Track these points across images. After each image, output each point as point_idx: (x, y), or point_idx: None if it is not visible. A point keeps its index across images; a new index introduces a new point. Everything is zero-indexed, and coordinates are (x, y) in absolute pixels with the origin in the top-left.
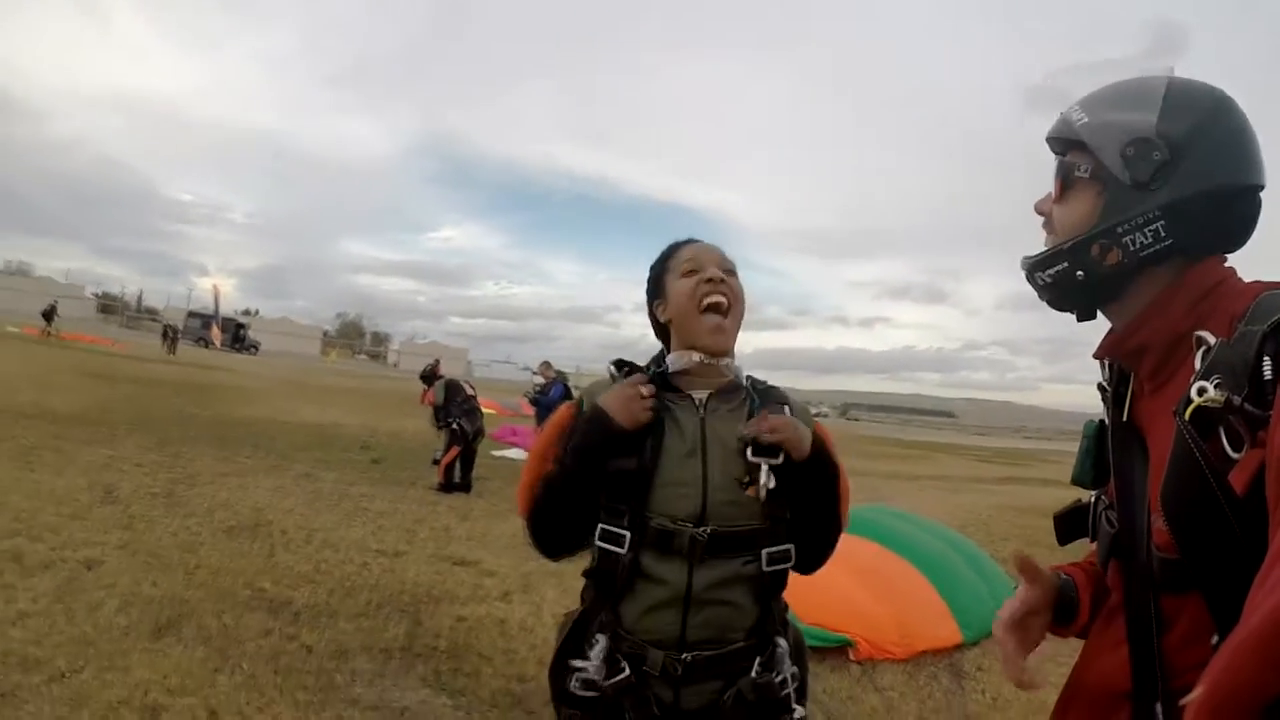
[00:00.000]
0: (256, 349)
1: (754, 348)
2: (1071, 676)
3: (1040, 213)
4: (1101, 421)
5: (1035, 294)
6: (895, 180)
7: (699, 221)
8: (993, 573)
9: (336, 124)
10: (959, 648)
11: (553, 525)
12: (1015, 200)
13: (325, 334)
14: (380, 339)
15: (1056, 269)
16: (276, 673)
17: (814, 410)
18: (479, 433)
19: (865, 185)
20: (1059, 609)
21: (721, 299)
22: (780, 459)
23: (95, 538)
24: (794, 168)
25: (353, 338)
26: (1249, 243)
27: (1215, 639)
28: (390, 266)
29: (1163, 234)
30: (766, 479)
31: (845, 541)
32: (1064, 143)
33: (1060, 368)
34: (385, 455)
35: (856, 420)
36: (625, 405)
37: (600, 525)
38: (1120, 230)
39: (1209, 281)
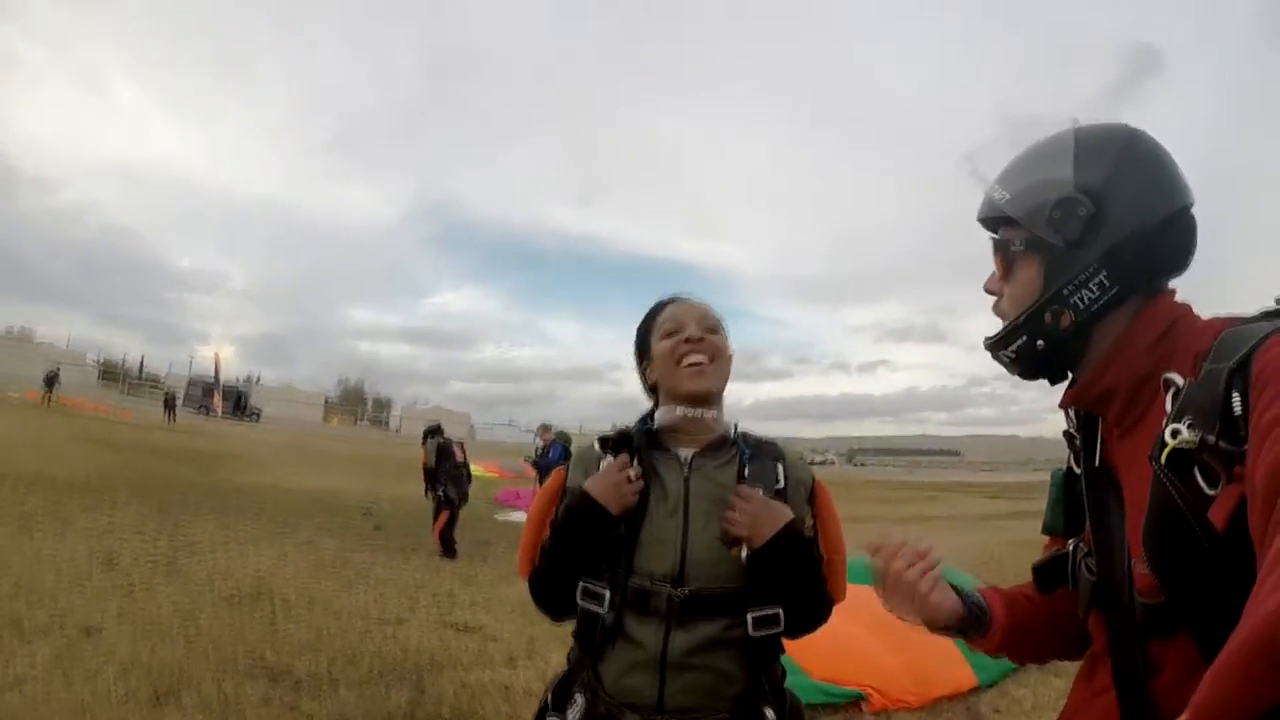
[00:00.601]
0: (258, 416)
1: (755, 399)
2: None
3: (990, 292)
4: (1069, 469)
5: (1005, 368)
6: (886, 220)
7: (695, 276)
8: None
9: (333, 191)
10: (975, 690)
11: (553, 589)
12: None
13: (327, 400)
14: (382, 404)
15: (1017, 344)
16: None
17: (819, 459)
18: (464, 497)
19: (858, 228)
20: (971, 619)
21: (701, 358)
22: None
23: (94, 605)
24: (786, 216)
25: (355, 404)
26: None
27: None
28: (391, 332)
29: (1107, 284)
30: (744, 552)
31: (855, 592)
32: (994, 221)
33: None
34: (387, 521)
35: (863, 465)
36: (614, 491)
37: (581, 583)
38: (1066, 292)
39: (1165, 321)
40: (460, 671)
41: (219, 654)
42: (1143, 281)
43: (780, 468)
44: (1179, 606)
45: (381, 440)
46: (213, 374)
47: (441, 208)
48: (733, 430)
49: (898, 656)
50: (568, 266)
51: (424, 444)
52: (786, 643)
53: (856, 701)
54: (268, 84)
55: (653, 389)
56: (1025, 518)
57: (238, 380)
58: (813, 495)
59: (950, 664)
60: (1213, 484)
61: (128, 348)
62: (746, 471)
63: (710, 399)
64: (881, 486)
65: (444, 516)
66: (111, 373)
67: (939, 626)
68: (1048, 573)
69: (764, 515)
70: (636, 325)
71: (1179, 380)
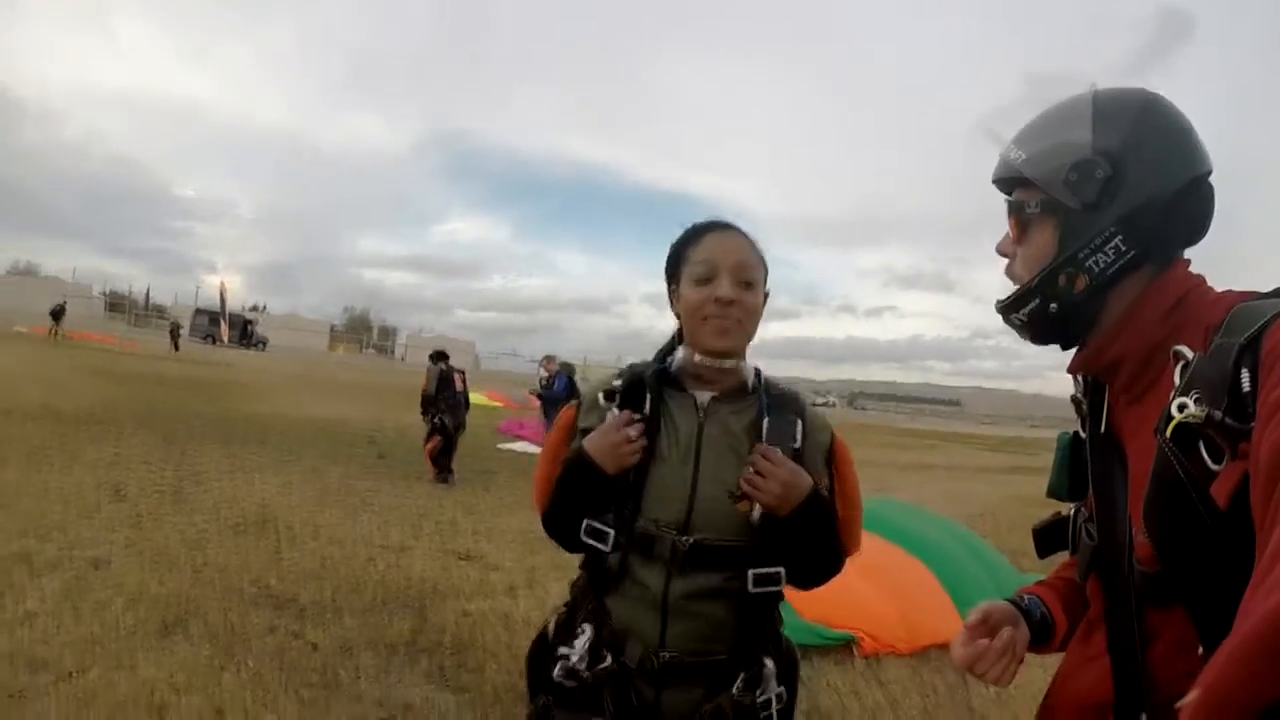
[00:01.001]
0: (264, 345)
1: (760, 338)
2: (1050, 689)
3: (1003, 254)
4: (1076, 433)
5: (1016, 331)
6: (902, 168)
7: (707, 210)
8: (998, 565)
9: (343, 120)
10: None
11: (563, 528)
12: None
13: (333, 329)
14: (388, 333)
15: (1029, 307)
16: (281, 670)
17: (821, 400)
18: (460, 426)
19: (873, 173)
20: (1034, 631)
21: (725, 324)
22: None
23: (103, 537)
24: (802, 156)
25: (360, 332)
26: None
27: (1200, 651)
28: (397, 260)
29: (1123, 248)
30: (756, 512)
31: None
32: (1009, 183)
33: (1065, 355)
34: (391, 449)
35: (865, 409)
36: (612, 451)
37: (585, 521)
38: (1082, 255)
39: (1178, 291)
40: (461, 600)
41: (225, 583)
42: (1159, 248)
43: (800, 425)
44: (1175, 579)
45: (387, 368)
46: (218, 303)
47: (452, 137)
48: (753, 377)
49: (891, 603)
50: (578, 196)
51: (430, 366)
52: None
53: (847, 644)
54: (277, 10)
55: (679, 316)
56: (1024, 473)
57: (243, 309)
58: (831, 454)
59: (943, 616)
60: (1217, 459)
61: (134, 279)
62: (765, 425)
63: (732, 354)
64: (883, 432)
65: (435, 441)
66: (118, 305)
67: None
68: (1047, 536)
69: (791, 482)
70: (644, 258)
71: (1188, 353)
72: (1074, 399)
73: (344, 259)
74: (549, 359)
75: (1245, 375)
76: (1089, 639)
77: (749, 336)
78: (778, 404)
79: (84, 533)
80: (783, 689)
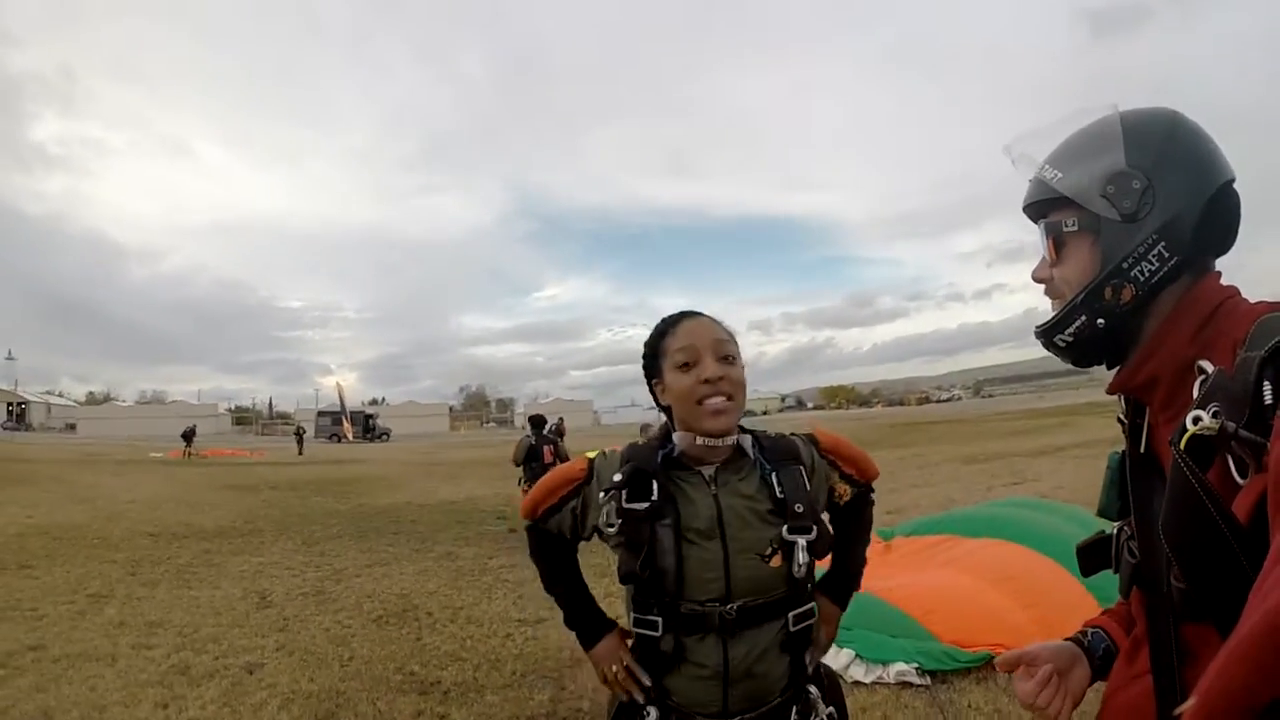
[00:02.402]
0: (388, 436)
1: (872, 343)
2: (1102, 706)
3: (1039, 280)
4: (1124, 453)
5: (1059, 355)
6: (981, 143)
7: (797, 228)
8: None
9: (425, 206)
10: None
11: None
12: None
13: (451, 409)
14: (505, 405)
15: (1076, 325)
16: None
17: (946, 396)
18: None
19: (953, 155)
20: (1098, 665)
21: (721, 402)
22: (814, 534)
23: (254, 643)
24: (883, 155)
25: (478, 408)
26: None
27: None
28: (504, 333)
29: (1166, 254)
30: (803, 558)
31: (981, 548)
32: (1043, 205)
33: None
34: (521, 522)
35: (991, 396)
36: (609, 675)
37: (633, 614)
38: (1127, 265)
39: (1209, 305)
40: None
41: (372, 674)
42: (1198, 252)
43: (802, 470)
44: (1198, 593)
45: (507, 439)
46: (338, 403)
47: (534, 203)
48: (747, 444)
49: (1026, 611)
50: (668, 240)
51: (554, 444)
52: (914, 607)
53: (988, 662)
54: (345, 114)
55: (665, 408)
56: None
57: (362, 404)
58: (824, 453)
59: (1084, 612)
60: (1244, 473)
61: (256, 392)
62: (779, 490)
63: (730, 432)
64: (1009, 418)
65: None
66: (244, 418)
67: None
68: (1091, 554)
69: (826, 632)
70: (744, 287)
71: (1209, 368)
72: (1119, 419)
73: (452, 340)
74: (645, 427)
75: (1267, 387)
76: (1135, 656)
77: (741, 409)
78: (775, 457)
79: (236, 641)
80: (832, 708)
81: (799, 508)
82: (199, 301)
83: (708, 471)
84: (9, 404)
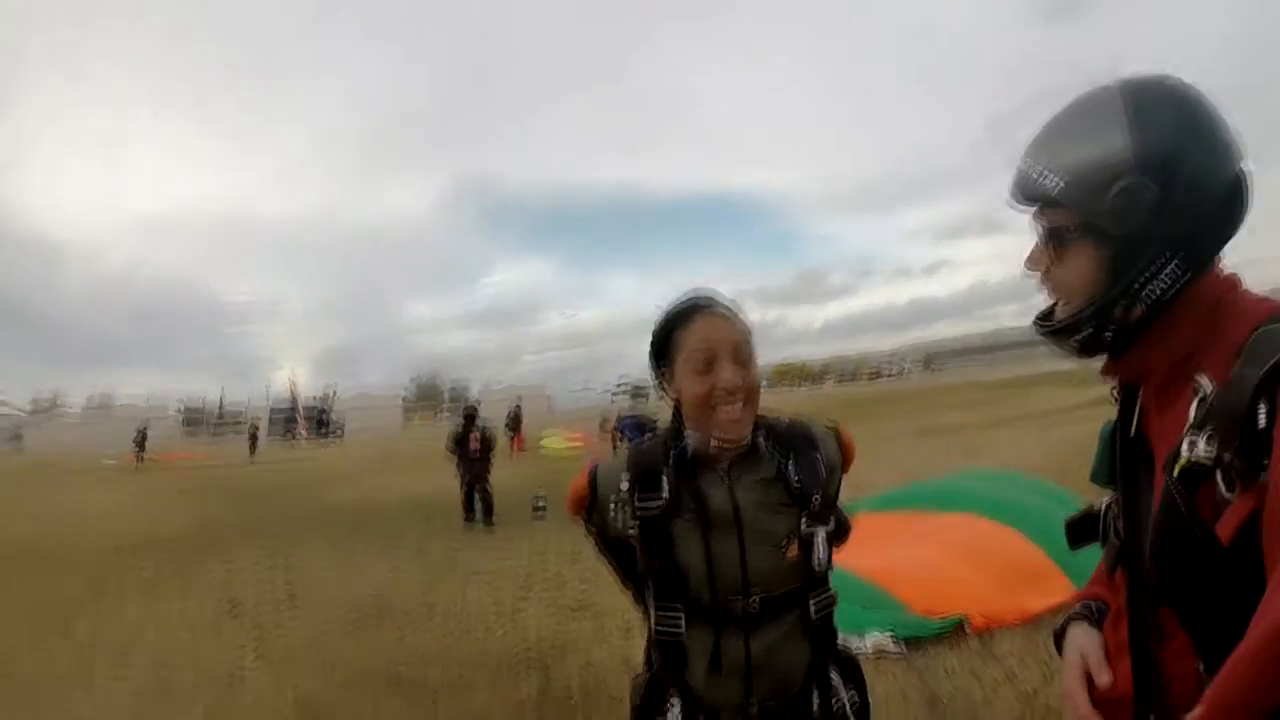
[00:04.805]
0: (343, 431)
1: (823, 319)
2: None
3: (1034, 270)
4: (1115, 427)
5: (1058, 351)
6: (927, 119)
7: (744, 206)
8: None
9: (369, 193)
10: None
11: None
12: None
13: (404, 400)
14: (459, 394)
15: (1082, 335)
16: None
17: (895, 370)
18: (475, 478)
19: (899, 131)
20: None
21: (737, 409)
22: (832, 525)
23: (231, 653)
24: (828, 131)
25: (432, 399)
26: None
27: (1200, 666)
28: (453, 320)
29: (1180, 271)
30: (823, 549)
31: (945, 521)
32: (1034, 200)
33: None
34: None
35: (940, 370)
36: None
37: (654, 611)
38: (1137, 286)
39: (1210, 297)
40: (581, 652)
41: (356, 678)
42: (1209, 255)
43: (819, 460)
44: (1179, 610)
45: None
46: (290, 399)
47: (480, 183)
48: (761, 440)
49: (993, 579)
50: (616, 218)
51: (516, 432)
52: (885, 579)
53: (959, 626)
54: (286, 102)
55: (674, 400)
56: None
57: (315, 398)
58: (845, 453)
59: (1047, 579)
60: (1232, 489)
61: (205, 390)
62: (795, 479)
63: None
64: (962, 391)
65: (464, 491)
66: (194, 419)
67: None
68: (1079, 528)
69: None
70: (696, 265)
71: (1207, 385)
72: (1111, 394)
73: (401, 329)
74: (604, 421)
75: (1262, 410)
76: (1116, 631)
77: (755, 411)
78: (789, 445)
79: (213, 653)
80: (854, 690)
81: (816, 498)
82: (141, 299)
83: (721, 466)
84: None
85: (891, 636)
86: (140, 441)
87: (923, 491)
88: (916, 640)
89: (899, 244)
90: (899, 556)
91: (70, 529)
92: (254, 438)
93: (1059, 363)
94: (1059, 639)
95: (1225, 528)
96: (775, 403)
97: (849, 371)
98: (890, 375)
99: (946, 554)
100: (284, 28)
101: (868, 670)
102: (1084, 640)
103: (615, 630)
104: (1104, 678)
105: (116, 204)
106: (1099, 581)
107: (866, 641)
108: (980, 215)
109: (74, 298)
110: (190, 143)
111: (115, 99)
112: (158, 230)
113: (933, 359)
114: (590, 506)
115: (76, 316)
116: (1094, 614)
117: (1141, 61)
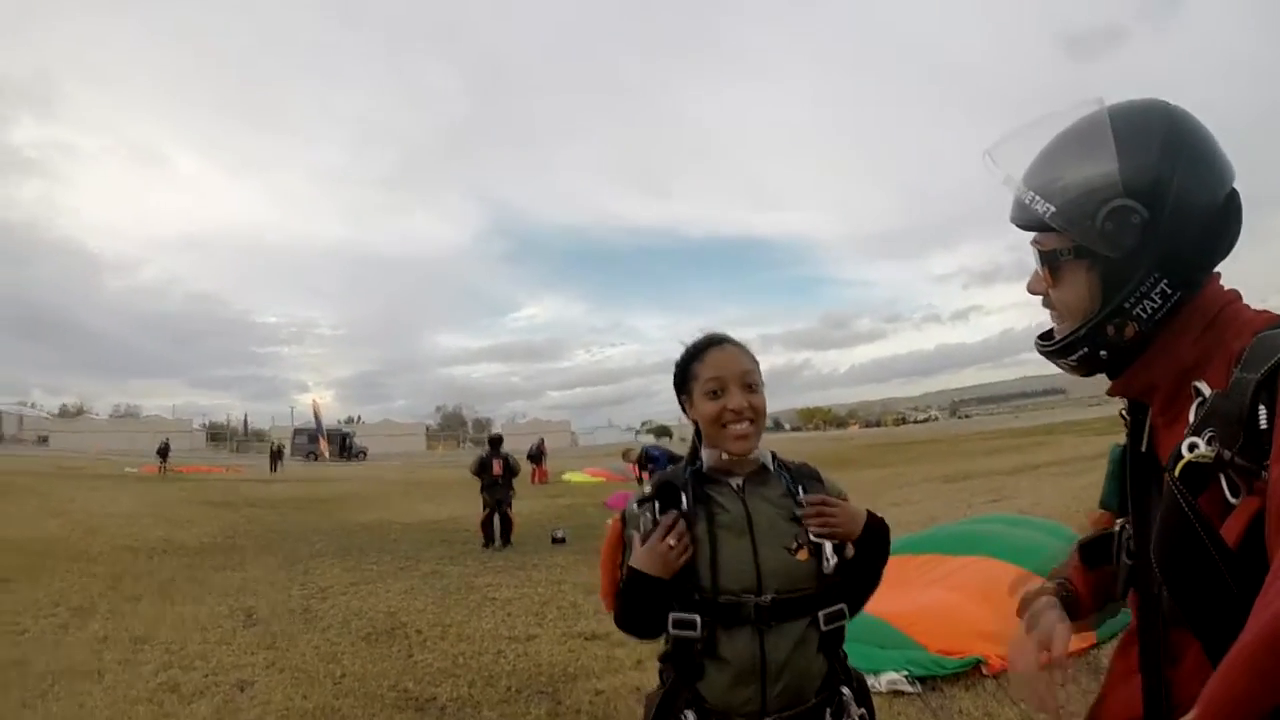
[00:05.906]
0: (364, 454)
1: (850, 364)
2: (1096, 701)
3: (1035, 293)
4: (1125, 446)
5: (1060, 368)
6: (953, 163)
7: (771, 248)
8: None
9: (401, 223)
10: (1095, 646)
11: (638, 622)
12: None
13: (428, 429)
14: (483, 425)
15: (1079, 354)
16: None
17: (922, 417)
18: (497, 503)
19: (926, 176)
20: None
21: (745, 427)
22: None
23: (243, 659)
24: (857, 175)
25: (455, 428)
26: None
27: None
28: (480, 353)
29: (1170, 291)
30: (831, 555)
31: (963, 563)
32: (1030, 225)
33: None
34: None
35: (968, 417)
36: (660, 561)
37: (672, 615)
38: (1128, 305)
39: (1209, 311)
40: (593, 680)
41: (365, 691)
42: (1201, 275)
43: (824, 489)
44: (1186, 613)
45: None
46: (314, 421)
47: (509, 221)
48: (769, 460)
49: (1011, 621)
50: (643, 259)
51: (538, 465)
52: (901, 620)
53: (976, 667)
54: (322, 128)
55: (694, 422)
56: None
57: (339, 423)
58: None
59: None
60: (1236, 493)
61: (230, 408)
62: (801, 492)
63: (751, 452)
64: (987, 437)
65: (485, 514)
66: (218, 434)
67: None
68: (1094, 550)
69: (848, 511)
70: (722, 306)
71: (1206, 390)
72: (1120, 415)
73: (428, 360)
74: (628, 451)
75: (1262, 412)
76: (1128, 654)
77: (762, 430)
78: (799, 476)
79: (225, 658)
80: (864, 710)
81: None
82: (172, 314)
83: (736, 482)
84: None
85: (906, 676)
86: (164, 452)
87: (943, 536)
88: (932, 679)
89: (928, 289)
90: (916, 599)
91: (90, 529)
92: (277, 455)
93: (1082, 410)
94: (1024, 606)
95: (1231, 530)
96: (800, 446)
97: (874, 416)
98: (916, 420)
99: (964, 596)
100: (316, 52)
101: (881, 708)
102: (1054, 617)
103: (628, 661)
104: (1057, 648)
105: (151, 219)
106: (1074, 569)
107: (881, 680)
108: (1012, 261)
109: (105, 309)
110: (224, 164)
111: (153, 115)
112: (190, 249)
113: (959, 405)
114: (623, 549)
115: (107, 327)
116: (1068, 598)
117: (1170, 96)
